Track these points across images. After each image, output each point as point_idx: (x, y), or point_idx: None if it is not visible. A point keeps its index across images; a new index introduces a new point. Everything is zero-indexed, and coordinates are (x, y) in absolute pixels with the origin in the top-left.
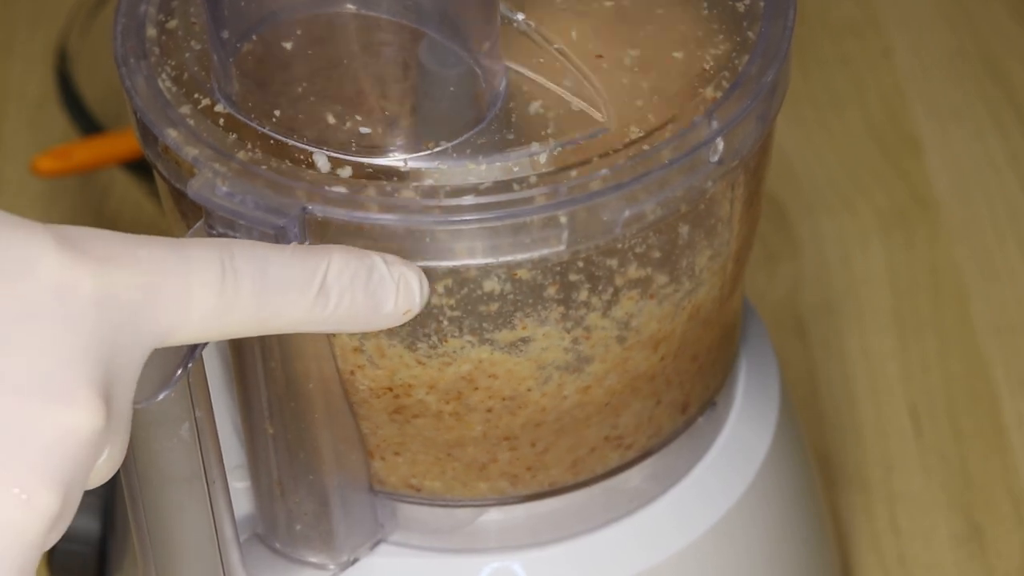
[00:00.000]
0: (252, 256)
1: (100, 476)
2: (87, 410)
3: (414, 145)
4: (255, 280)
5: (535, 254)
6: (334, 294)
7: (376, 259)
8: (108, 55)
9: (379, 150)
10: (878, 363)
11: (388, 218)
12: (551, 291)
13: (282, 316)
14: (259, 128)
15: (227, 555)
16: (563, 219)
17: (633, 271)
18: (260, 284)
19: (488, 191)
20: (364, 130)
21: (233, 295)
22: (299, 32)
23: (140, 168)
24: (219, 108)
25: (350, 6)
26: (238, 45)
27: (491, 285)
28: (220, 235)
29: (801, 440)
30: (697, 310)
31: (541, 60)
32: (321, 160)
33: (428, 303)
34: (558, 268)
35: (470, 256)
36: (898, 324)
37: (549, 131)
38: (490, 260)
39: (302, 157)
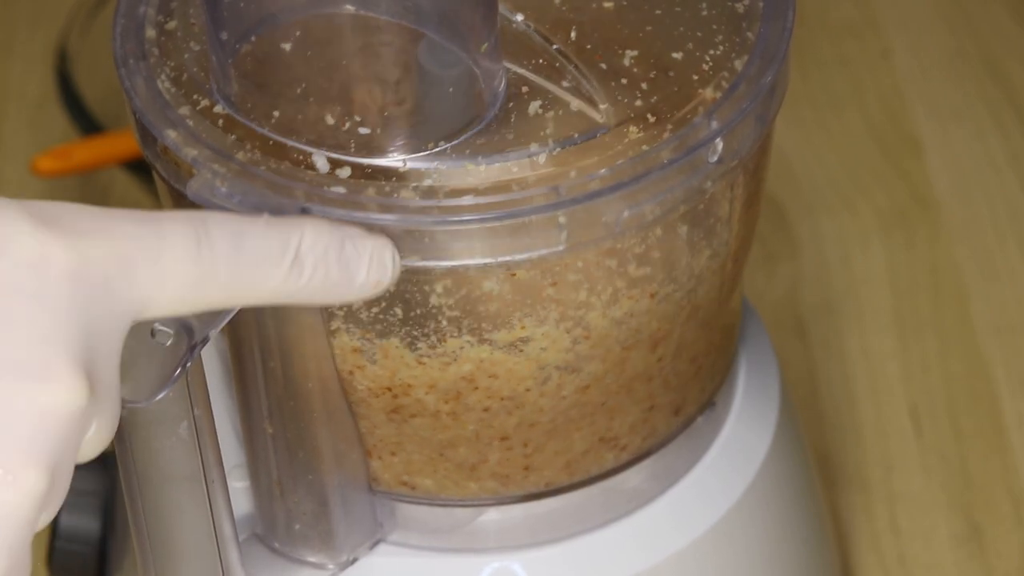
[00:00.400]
0: (227, 228)
1: (90, 450)
2: (69, 387)
3: (413, 145)
4: (230, 252)
5: (534, 254)
6: (308, 265)
7: (349, 231)
8: (108, 55)
9: (378, 150)
10: (878, 363)
11: (387, 218)
12: (550, 291)
13: (257, 288)
14: (258, 129)
15: (226, 555)
16: (562, 219)
17: (632, 271)
18: (235, 256)
19: (487, 191)
20: (363, 131)
21: (209, 267)
22: (298, 33)
23: (140, 168)
24: (218, 109)
25: (349, 7)
26: (237, 46)
27: (490, 285)
28: None
29: (801, 440)
30: (696, 310)
31: (540, 60)
32: (320, 160)
33: (428, 305)
34: (557, 268)
35: (469, 256)
36: (898, 324)
37: (548, 131)
38: (489, 260)
39: (301, 158)
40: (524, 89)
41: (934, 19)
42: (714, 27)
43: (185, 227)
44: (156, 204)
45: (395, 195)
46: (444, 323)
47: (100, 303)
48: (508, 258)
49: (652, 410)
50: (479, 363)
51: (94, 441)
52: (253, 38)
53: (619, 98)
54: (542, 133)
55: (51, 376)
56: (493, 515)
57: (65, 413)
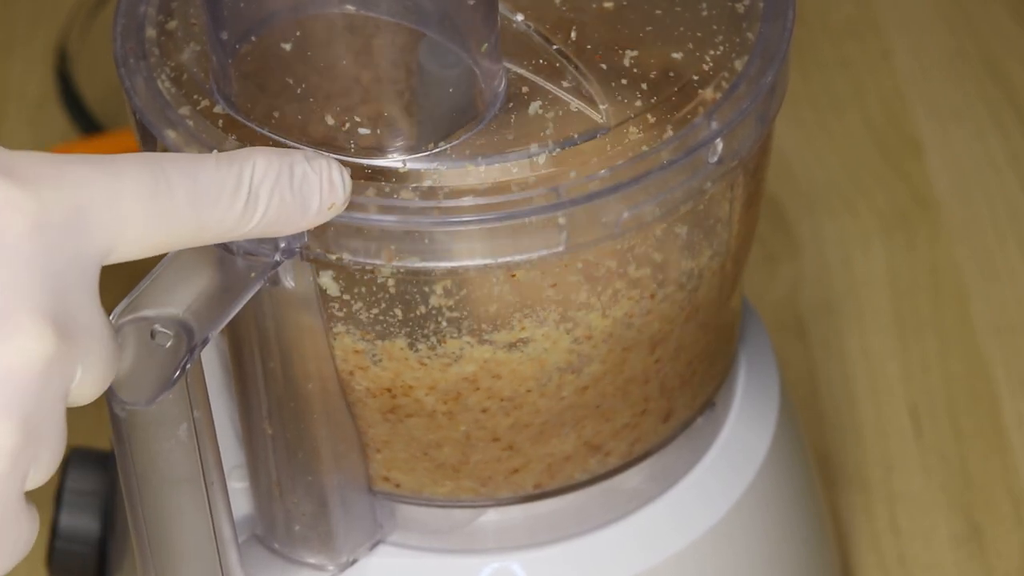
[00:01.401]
0: (182, 167)
1: (85, 395)
2: (32, 337)
3: (413, 146)
4: (188, 190)
5: (534, 255)
6: (263, 195)
7: (297, 155)
8: (108, 55)
9: (378, 151)
10: (878, 363)
11: (387, 219)
12: (550, 292)
13: (219, 223)
14: (258, 129)
15: (226, 556)
16: (562, 220)
17: (632, 272)
18: (193, 193)
19: (487, 192)
20: (363, 131)
21: (168, 204)
22: (298, 33)
23: None
24: (218, 109)
25: (349, 7)
26: (237, 46)
27: (490, 286)
28: None
29: (801, 440)
30: (696, 311)
31: (540, 61)
32: None
33: (428, 306)
34: (557, 269)
35: (469, 257)
36: (898, 324)
37: (548, 132)
38: (489, 261)
39: None
40: (524, 89)
41: (934, 20)
42: (714, 27)
43: (141, 167)
44: None
45: (395, 196)
46: (444, 324)
47: (63, 249)
48: (508, 259)
49: (644, 415)
50: (483, 363)
51: (87, 385)
52: (253, 38)
53: (619, 98)
54: (542, 134)
55: (13, 328)
56: (492, 516)
57: (32, 364)
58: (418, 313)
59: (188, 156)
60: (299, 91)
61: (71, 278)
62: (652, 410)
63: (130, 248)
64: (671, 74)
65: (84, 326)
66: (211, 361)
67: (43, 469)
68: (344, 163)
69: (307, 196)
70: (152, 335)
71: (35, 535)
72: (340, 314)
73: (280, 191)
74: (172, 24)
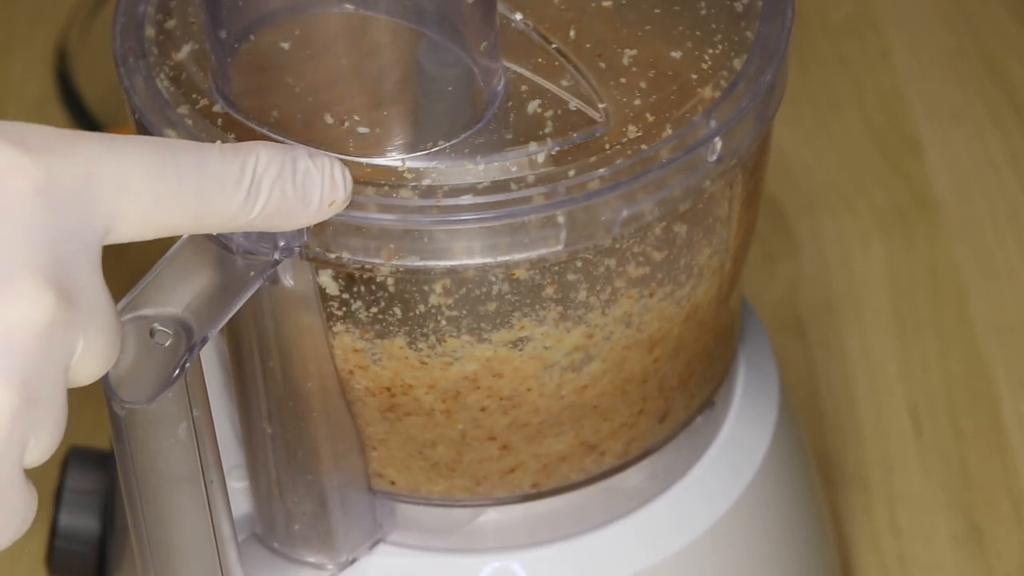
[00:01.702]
0: (190, 152)
1: (87, 372)
2: (32, 299)
3: (412, 145)
4: (194, 173)
5: (533, 254)
6: (265, 187)
7: (299, 151)
8: (108, 55)
9: (377, 150)
10: (878, 363)
11: (386, 218)
12: (549, 291)
13: (220, 211)
14: (257, 128)
15: (225, 555)
16: (561, 219)
17: (632, 270)
18: (199, 176)
19: (486, 191)
20: (362, 130)
21: (175, 186)
22: (297, 32)
23: None
24: (217, 108)
25: (348, 6)
26: (236, 45)
27: (489, 285)
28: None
29: (801, 440)
30: (695, 310)
31: (539, 60)
32: None
33: (427, 305)
34: (556, 268)
35: (468, 256)
36: (898, 324)
37: (547, 131)
38: (488, 260)
39: None
40: (523, 88)
41: (934, 19)
42: (713, 26)
43: (150, 148)
44: None
45: (394, 194)
46: (443, 323)
47: (68, 220)
48: (507, 258)
49: (641, 414)
50: (485, 362)
51: (89, 361)
52: (252, 37)
53: (618, 97)
54: (541, 132)
55: (13, 289)
56: (492, 515)
57: (32, 326)
58: (417, 312)
59: (194, 143)
60: (298, 90)
61: (73, 248)
62: (650, 409)
63: (131, 228)
64: (670, 73)
65: (86, 296)
66: (210, 360)
67: (43, 443)
68: (343, 162)
69: (308, 191)
70: (151, 334)
71: (33, 514)
72: (339, 313)
73: (282, 184)
74: (171, 23)
